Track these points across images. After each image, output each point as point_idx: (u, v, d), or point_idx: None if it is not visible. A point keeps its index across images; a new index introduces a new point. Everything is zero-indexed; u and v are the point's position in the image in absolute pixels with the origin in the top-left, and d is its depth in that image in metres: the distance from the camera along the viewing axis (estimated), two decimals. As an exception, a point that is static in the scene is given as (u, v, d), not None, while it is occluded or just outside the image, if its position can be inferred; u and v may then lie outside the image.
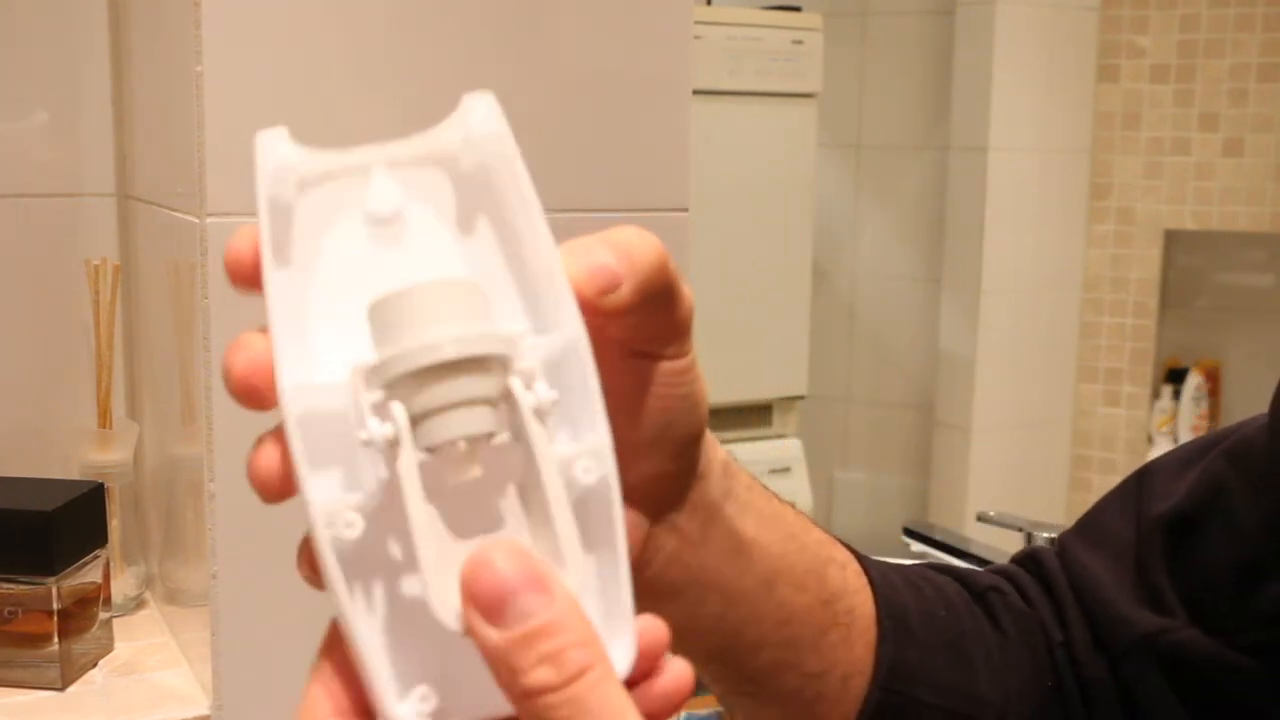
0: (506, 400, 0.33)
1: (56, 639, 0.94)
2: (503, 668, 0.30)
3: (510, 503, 0.34)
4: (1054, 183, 2.92)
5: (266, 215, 0.35)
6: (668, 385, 0.43)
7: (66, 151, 1.15)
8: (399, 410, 0.32)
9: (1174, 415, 3.08)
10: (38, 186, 1.14)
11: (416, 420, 0.32)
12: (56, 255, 1.14)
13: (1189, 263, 3.09)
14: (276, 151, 0.36)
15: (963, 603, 0.58)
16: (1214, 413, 3.11)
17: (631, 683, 0.34)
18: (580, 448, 0.34)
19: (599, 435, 0.34)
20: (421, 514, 0.32)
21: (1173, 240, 3.02)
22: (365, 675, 0.32)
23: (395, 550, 0.34)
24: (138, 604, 1.11)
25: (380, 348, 0.33)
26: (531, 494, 0.34)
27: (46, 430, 1.15)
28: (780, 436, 2.46)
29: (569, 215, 1.01)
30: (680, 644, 0.51)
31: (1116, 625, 0.57)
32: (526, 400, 0.33)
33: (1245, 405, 3.09)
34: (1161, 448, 3.08)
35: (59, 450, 1.13)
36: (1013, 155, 2.81)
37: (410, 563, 0.33)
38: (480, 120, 0.37)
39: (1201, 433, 3.06)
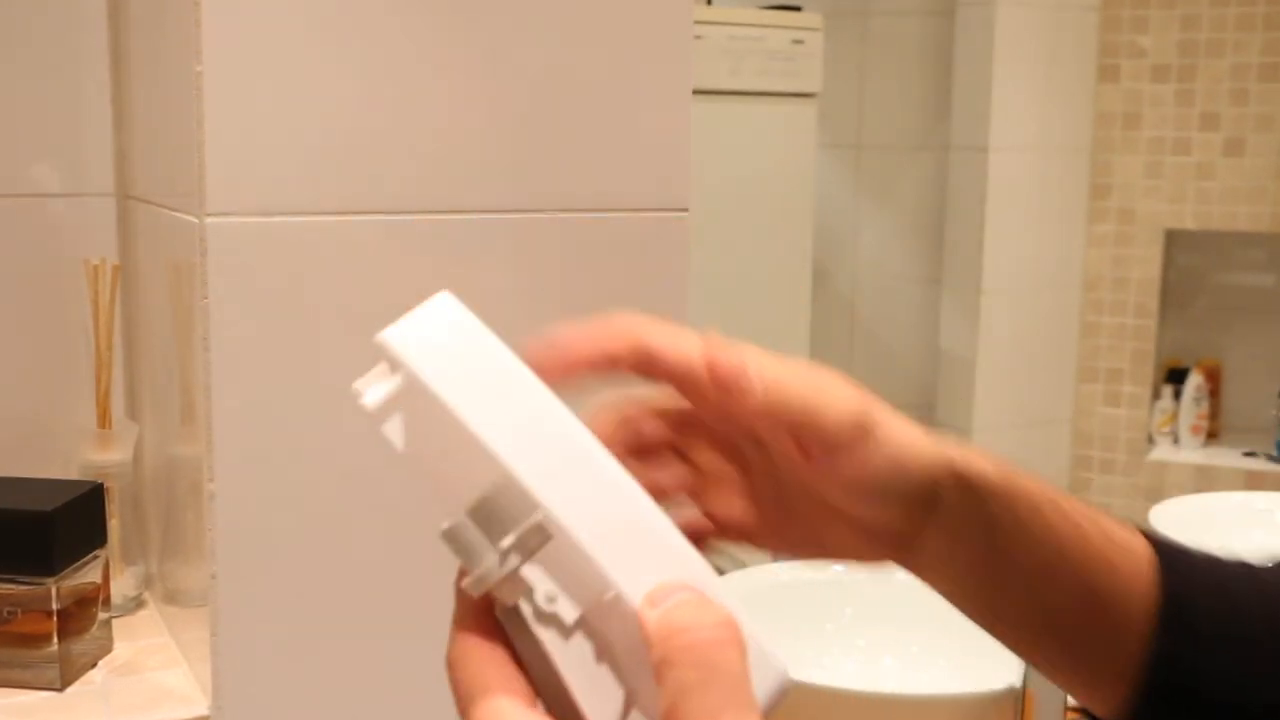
0: None
1: (56, 639, 0.94)
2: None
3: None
4: (1054, 183, 2.91)
5: (454, 397, 0.39)
6: (848, 472, 0.49)
7: (66, 151, 1.14)
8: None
9: (1175, 415, 3.08)
10: (37, 186, 1.14)
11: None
12: (56, 255, 1.14)
13: (1189, 262, 3.09)
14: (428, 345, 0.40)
15: None
16: (1215, 413, 3.10)
17: None
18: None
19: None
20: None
21: (1173, 240, 3.02)
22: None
23: None
24: (137, 604, 1.10)
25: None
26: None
27: (46, 430, 1.15)
28: (780, 436, 2.46)
29: (568, 215, 1.00)
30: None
31: None
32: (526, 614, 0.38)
33: (1246, 405, 3.09)
34: (1162, 447, 3.08)
35: (58, 450, 1.12)
36: (1013, 155, 2.80)
37: None
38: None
39: (1202, 433, 3.06)
